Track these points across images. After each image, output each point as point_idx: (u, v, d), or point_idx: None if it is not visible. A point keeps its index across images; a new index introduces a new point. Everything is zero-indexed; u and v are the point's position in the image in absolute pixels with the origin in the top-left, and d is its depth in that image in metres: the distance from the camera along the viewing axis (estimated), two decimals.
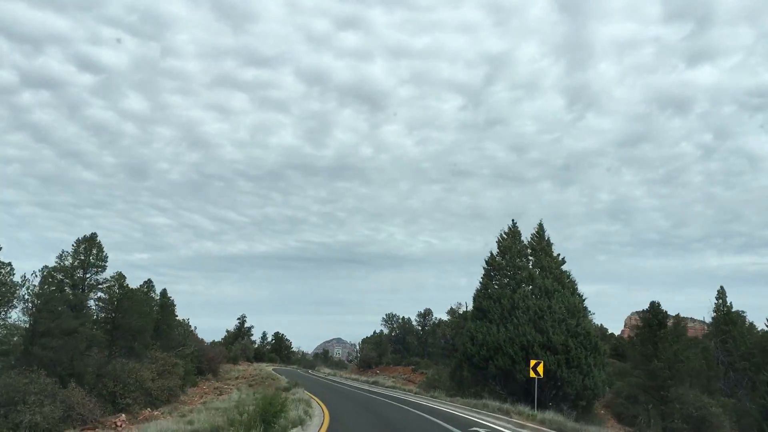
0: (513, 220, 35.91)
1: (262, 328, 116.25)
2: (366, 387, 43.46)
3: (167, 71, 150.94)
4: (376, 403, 28.68)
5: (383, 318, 72.85)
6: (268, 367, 70.05)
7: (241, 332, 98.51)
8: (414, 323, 71.18)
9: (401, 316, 72.33)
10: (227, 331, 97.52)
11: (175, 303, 40.88)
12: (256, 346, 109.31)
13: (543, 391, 31.16)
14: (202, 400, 28.29)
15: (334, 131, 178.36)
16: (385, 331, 76.80)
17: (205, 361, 42.24)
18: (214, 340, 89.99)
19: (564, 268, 34.08)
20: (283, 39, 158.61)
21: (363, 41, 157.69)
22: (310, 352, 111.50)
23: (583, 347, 30.71)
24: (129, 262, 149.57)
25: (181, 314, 42.02)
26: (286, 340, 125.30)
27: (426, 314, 68.83)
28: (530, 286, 32.78)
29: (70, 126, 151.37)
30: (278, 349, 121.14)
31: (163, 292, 38.60)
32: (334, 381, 51.52)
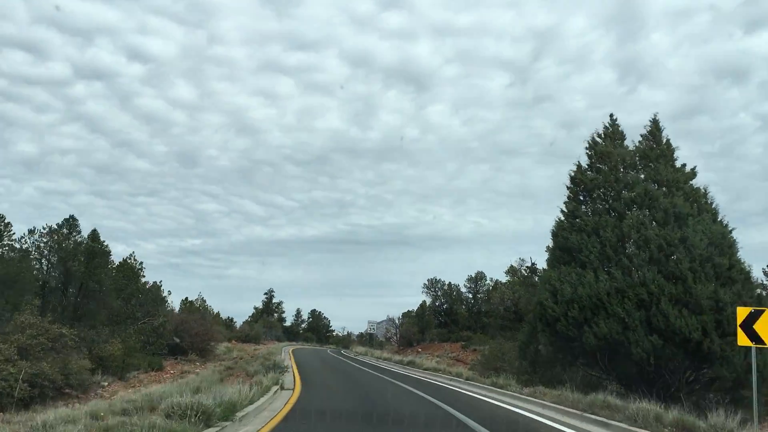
0: (611, 116, 23.59)
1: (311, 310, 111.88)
2: (395, 369, 32.30)
3: (214, 58, 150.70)
4: (390, 395, 17.55)
5: (424, 284, 61.22)
6: (290, 347, 60.18)
7: (269, 309, 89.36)
8: (463, 290, 59.57)
9: (446, 282, 60.75)
10: (255, 308, 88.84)
11: (140, 263, 31.00)
12: (289, 324, 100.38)
13: (673, 375, 19.36)
14: (130, 390, 18.01)
15: (380, 113, 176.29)
16: (428, 300, 64.45)
17: (187, 338, 32.32)
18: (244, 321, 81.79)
19: (695, 183, 21.64)
20: (327, 22, 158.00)
21: (407, 21, 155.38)
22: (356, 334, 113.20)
23: (742, 302, 18.34)
24: (182, 248, 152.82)
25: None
26: (324, 318, 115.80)
27: (478, 278, 57.09)
28: (647, 210, 20.58)
29: (122, 116, 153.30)
30: (315, 328, 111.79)
31: (94, 235, 28.02)
32: (359, 362, 40.66)
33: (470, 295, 58.10)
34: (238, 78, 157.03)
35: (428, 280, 60.41)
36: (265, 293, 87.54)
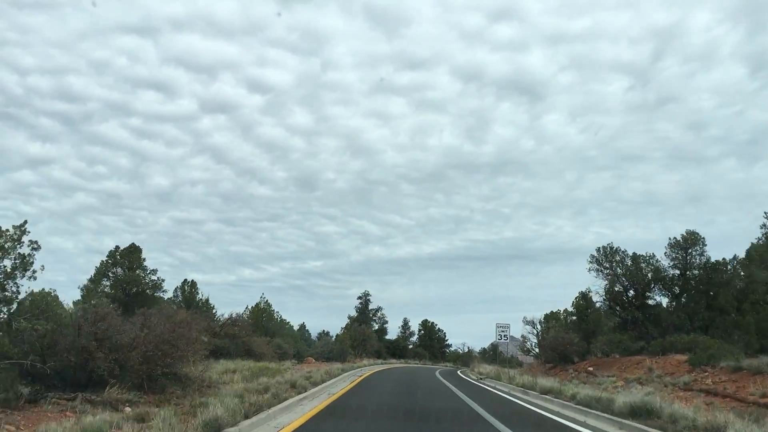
0: None
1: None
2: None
3: (328, 84, 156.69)
4: None
5: (592, 258, 36.65)
6: (379, 367, 39.80)
7: (365, 317, 69.82)
8: (664, 262, 34.92)
9: (626, 253, 35.83)
10: (348, 318, 70.03)
11: None
12: (394, 338, 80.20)
13: None
14: None
15: (494, 126, 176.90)
16: (597, 283, 38.95)
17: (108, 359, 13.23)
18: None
19: None
20: (437, 39, 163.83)
21: (517, 31, 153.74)
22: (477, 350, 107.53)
23: None
24: (305, 270, 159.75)
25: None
26: (438, 330, 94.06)
27: (691, 240, 32.54)
28: None
29: (245, 145, 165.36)
30: (428, 344, 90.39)
31: None
32: (496, 395, 19.25)
33: (676, 271, 33.67)
34: (352, 101, 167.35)
35: (600, 249, 36.17)
36: (359, 297, 68.70)
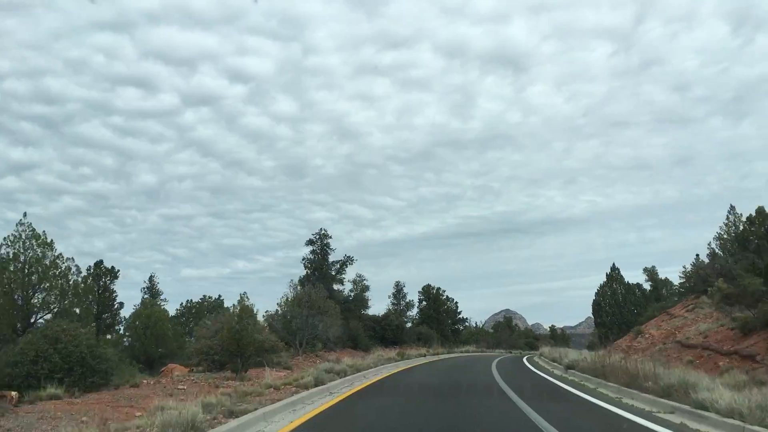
0: None
1: None
2: None
3: (310, 69, 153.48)
4: None
5: None
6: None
7: (324, 272, 41.66)
8: None
9: None
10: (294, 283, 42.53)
11: None
12: (385, 314, 52.61)
13: None
14: None
15: (479, 101, 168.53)
16: None
17: None
18: None
19: None
20: (417, 16, 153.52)
21: (498, 2, 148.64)
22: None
23: None
24: (297, 257, 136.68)
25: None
26: (447, 299, 66.44)
27: None
28: None
29: (230, 136, 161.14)
30: (434, 317, 62.76)
31: None
32: None
33: None
34: (335, 85, 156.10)
35: None
36: (310, 240, 39.81)
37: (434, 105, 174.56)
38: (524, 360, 32.73)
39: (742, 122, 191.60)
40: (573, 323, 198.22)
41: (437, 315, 62.71)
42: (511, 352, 77.25)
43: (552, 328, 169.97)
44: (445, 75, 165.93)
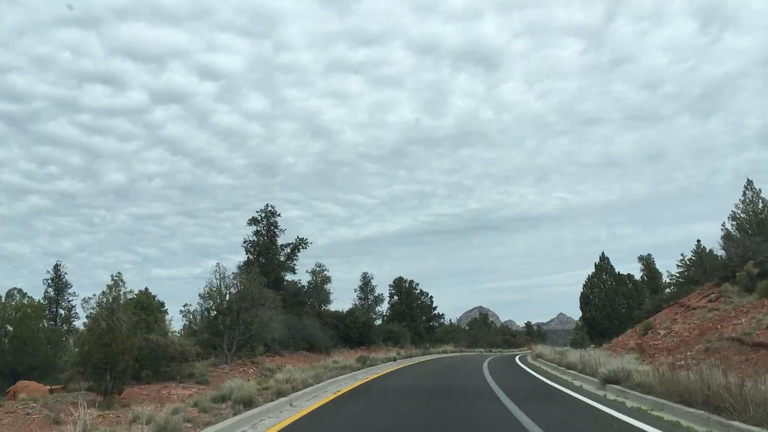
0: None
1: None
2: None
3: (282, 66, 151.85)
4: None
5: None
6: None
7: (271, 257, 33.84)
8: None
9: None
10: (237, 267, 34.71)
11: None
12: (350, 310, 45.29)
13: None
14: None
15: (452, 98, 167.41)
16: None
17: None
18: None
19: None
20: (389, 12, 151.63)
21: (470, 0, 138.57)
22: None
23: None
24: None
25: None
26: (421, 294, 59.64)
27: None
28: None
29: (201, 134, 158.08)
30: (407, 314, 55.87)
31: None
32: None
33: None
34: (307, 82, 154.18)
35: None
36: (253, 218, 31.91)
37: (407, 102, 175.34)
38: (523, 365, 26.03)
39: (710, 119, 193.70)
40: (545, 320, 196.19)
41: (410, 311, 55.79)
42: (491, 351, 70.89)
43: (528, 324, 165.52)
44: (417, 72, 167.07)
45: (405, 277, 58.21)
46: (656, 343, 25.73)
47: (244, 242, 32.90)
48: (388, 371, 22.35)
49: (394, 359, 27.18)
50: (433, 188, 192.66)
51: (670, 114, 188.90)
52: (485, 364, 27.21)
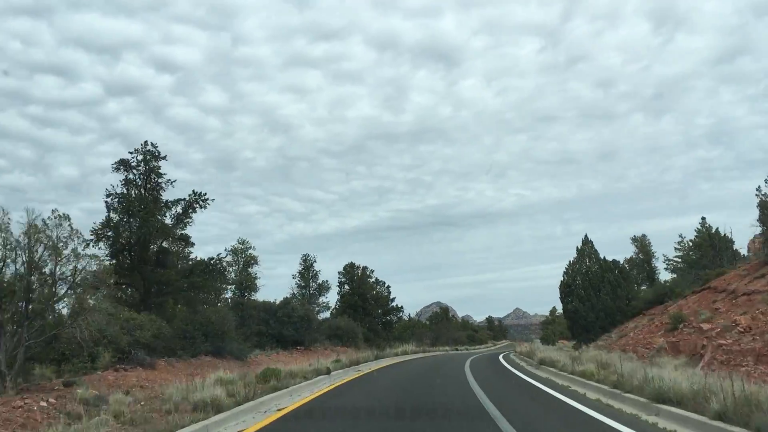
0: None
1: None
2: None
3: (240, 60, 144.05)
4: None
5: None
6: None
7: (150, 199, 23.72)
8: None
9: None
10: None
11: None
12: (283, 300, 35.38)
13: None
14: None
15: (411, 94, 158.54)
16: None
17: None
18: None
19: None
20: (349, 7, 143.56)
21: None
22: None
23: None
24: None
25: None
26: (376, 282, 49.93)
27: None
28: None
29: (157, 128, 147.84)
30: (358, 306, 46.11)
31: None
32: None
33: None
34: (266, 76, 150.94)
35: None
36: (131, 151, 21.72)
37: (366, 98, 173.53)
38: (535, 382, 16.61)
39: (662, 118, 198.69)
40: (501, 314, 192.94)
41: (363, 303, 46.01)
42: (457, 349, 62.01)
43: (489, 319, 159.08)
44: (377, 68, 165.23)
45: (357, 264, 48.45)
46: (725, 342, 16.89)
47: (108, 195, 22.30)
48: (291, 408, 12.02)
49: (327, 372, 17.26)
50: (392, 184, 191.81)
51: (624, 113, 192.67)
52: (471, 379, 17.70)
